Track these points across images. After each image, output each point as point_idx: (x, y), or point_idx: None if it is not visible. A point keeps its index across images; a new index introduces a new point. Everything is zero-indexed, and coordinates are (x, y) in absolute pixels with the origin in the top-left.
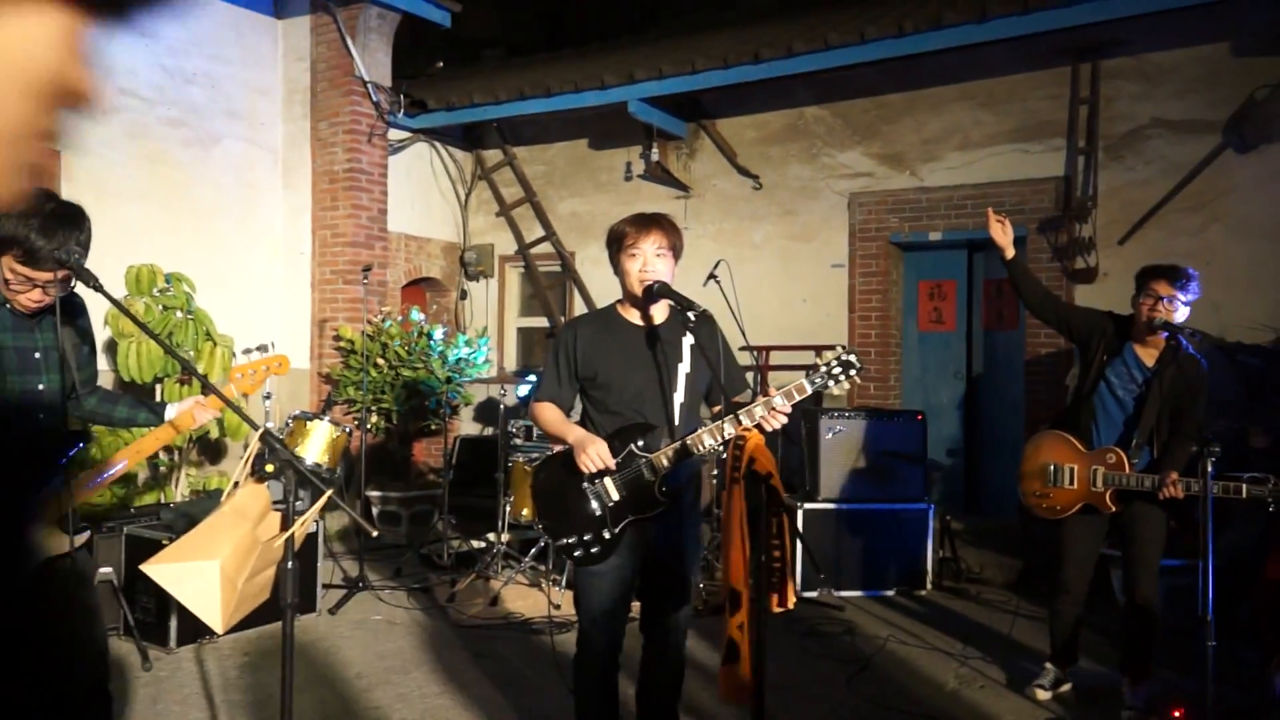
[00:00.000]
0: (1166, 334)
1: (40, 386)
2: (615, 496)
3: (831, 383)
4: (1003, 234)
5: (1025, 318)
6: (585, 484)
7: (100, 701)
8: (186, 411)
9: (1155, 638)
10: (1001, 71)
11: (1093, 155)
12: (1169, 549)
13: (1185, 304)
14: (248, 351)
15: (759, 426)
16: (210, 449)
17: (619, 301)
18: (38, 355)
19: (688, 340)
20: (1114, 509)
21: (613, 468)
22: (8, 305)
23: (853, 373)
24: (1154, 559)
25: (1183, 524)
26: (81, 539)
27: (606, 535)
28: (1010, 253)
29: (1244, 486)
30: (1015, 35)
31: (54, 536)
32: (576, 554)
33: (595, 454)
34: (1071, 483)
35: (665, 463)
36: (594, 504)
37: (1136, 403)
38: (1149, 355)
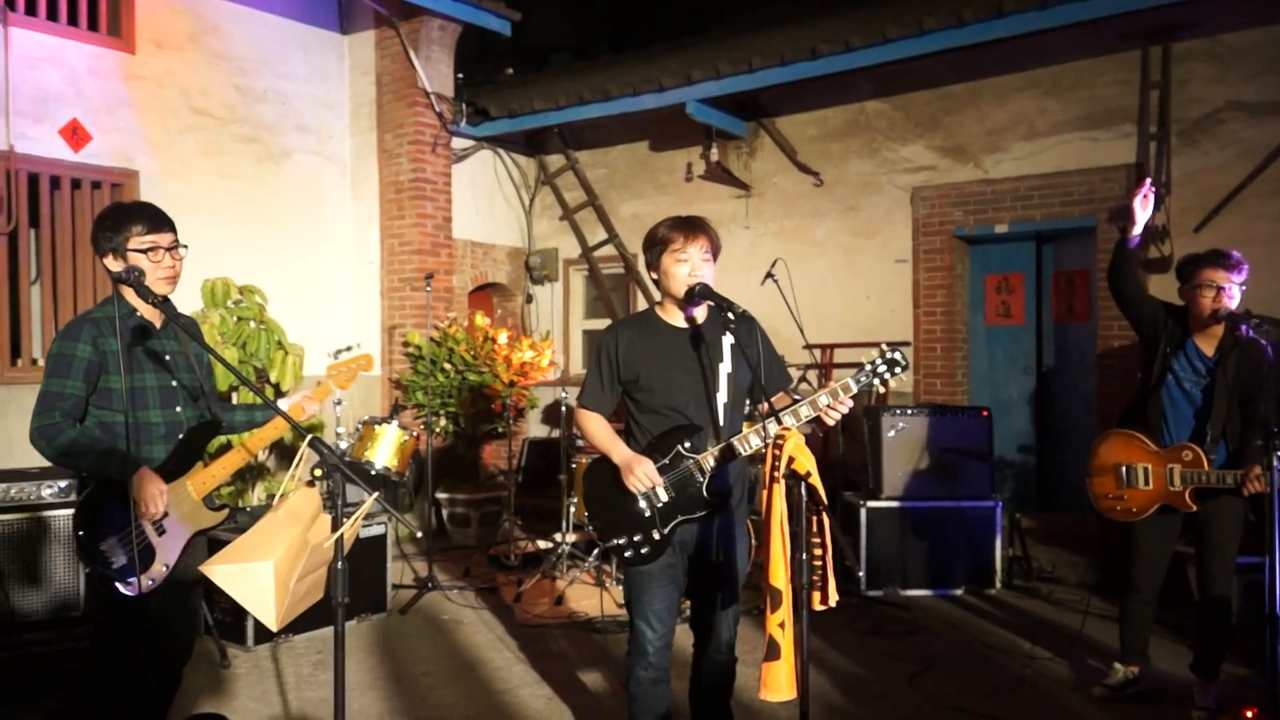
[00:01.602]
0: (1228, 322)
1: (174, 383)
2: (664, 498)
3: (877, 380)
4: (1143, 209)
5: (1098, 310)
6: None
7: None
8: (296, 405)
9: (1228, 637)
10: (1067, 58)
11: (1165, 141)
12: (1246, 545)
13: (1241, 288)
14: (338, 352)
15: (817, 419)
16: (287, 454)
17: (657, 304)
18: (167, 357)
19: (728, 340)
20: (1194, 508)
21: (660, 485)
22: (137, 314)
23: (898, 370)
24: (1230, 557)
25: (1262, 519)
26: (224, 514)
27: (656, 536)
28: (1137, 231)
29: None
30: (1080, 20)
31: (201, 513)
32: (627, 554)
33: (643, 474)
34: (1147, 483)
35: (712, 463)
36: (643, 505)
37: (1204, 395)
38: (1209, 345)
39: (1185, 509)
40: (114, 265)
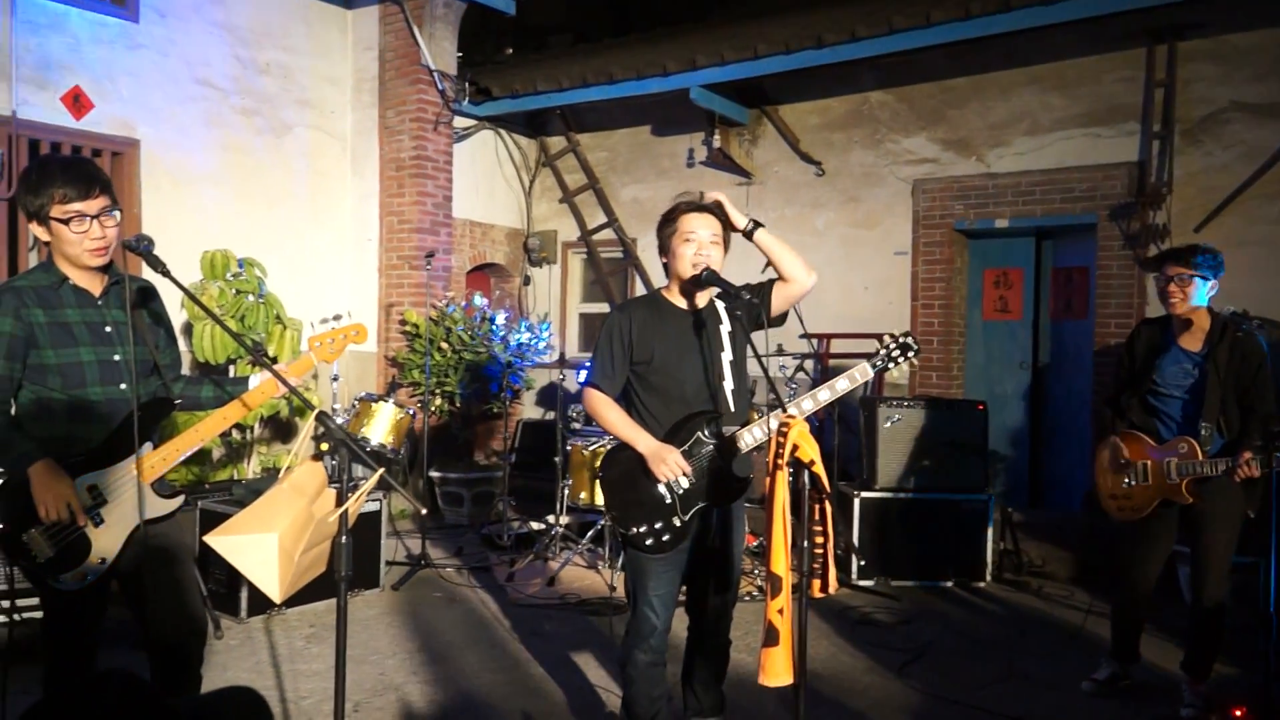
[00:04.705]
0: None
1: (116, 357)
2: (685, 485)
3: (891, 364)
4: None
5: (1096, 307)
6: None
7: (187, 677)
8: (269, 380)
9: (1220, 638)
10: (1072, 54)
11: (1169, 140)
12: (1243, 545)
13: (1204, 279)
14: (325, 321)
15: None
16: (282, 428)
17: (663, 287)
18: (109, 329)
19: (725, 327)
20: (1191, 500)
21: (689, 474)
22: (69, 283)
23: (911, 355)
24: (1224, 558)
25: (1263, 518)
26: (176, 503)
27: (677, 523)
28: None
29: None
30: (1085, 17)
31: (150, 500)
32: (648, 542)
33: (675, 464)
34: (1146, 479)
35: (739, 448)
36: (664, 492)
37: (1194, 390)
38: (1194, 342)
39: (1183, 501)
40: (40, 233)
